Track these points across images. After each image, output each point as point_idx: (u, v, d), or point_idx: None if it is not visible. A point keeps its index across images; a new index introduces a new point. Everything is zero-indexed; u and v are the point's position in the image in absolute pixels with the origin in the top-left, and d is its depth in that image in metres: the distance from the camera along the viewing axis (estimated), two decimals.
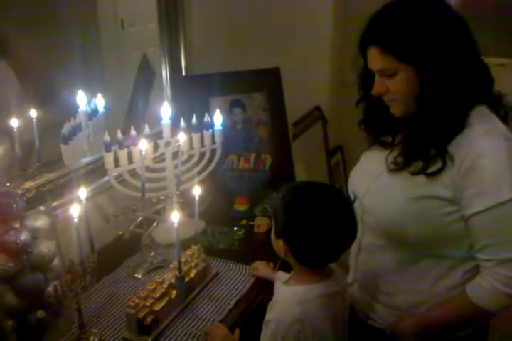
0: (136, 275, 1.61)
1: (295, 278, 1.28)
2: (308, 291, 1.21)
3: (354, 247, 1.47)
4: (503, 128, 1.25)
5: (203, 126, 1.76)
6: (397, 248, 1.35)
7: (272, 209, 1.26)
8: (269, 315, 1.23)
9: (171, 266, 1.49)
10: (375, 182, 1.37)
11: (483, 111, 1.25)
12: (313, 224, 1.15)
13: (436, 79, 1.18)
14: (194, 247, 1.56)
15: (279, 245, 1.23)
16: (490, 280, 1.22)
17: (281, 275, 1.35)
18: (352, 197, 1.39)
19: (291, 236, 1.20)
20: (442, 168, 1.21)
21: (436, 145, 1.22)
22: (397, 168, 1.30)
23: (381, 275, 1.41)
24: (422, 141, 1.25)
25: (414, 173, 1.25)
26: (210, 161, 1.80)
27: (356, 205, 1.34)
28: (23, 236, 1.26)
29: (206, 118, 1.76)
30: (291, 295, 1.23)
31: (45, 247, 1.31)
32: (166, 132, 1.72)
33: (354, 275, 1.49)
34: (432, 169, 1.23)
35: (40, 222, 1.33)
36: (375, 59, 1.23)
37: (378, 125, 1.41)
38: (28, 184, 1.50)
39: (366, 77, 1.33)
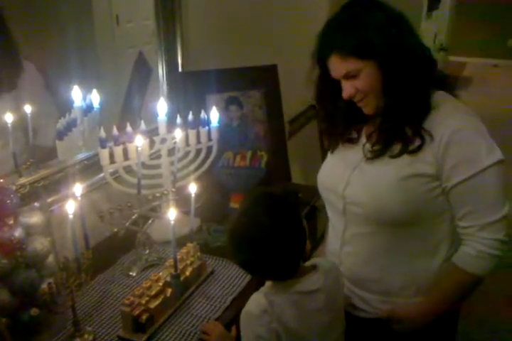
0: (131, 273, 1.60)
1: None
2: (277, 285, 1.24)
3: (336, 243, 1.49)
4: (462, 105, 1.36)
5: (199, 123, 1.75)
6: (385, 231, 1.38)
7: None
8: (242, 310, 1.25)
9: (167, 263, 1.48)
10: (353, 174, 1.41)
11: (443, 94, 1.36)
12: (263, 241, 1.18)
13: (394, 66, 1.27)
14: (190, 245, 1.55)
15: None
16: (474, 245, 1.31)
17: None
18: (326, 196, 1.49)
19: (240, 255, 1.24)
20: (422, 144, 1.29)
21: (410, 125, 1.30)
22: (375, 154, 1.36)
23: (370, 263, 1.43)
24: (397, 124, 1.32)
25: (396, 155, 1.32)
26: (206, 158, 1.79)
27: (335, 200, 1.45)
28: (17, 233, 1.25)
29: (202, 115, 1.75)
30: (262, 288, 1.27)
31: (39, 244, 1.30)
32: (162, 128, 1.70)
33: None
34: (412, 147, 1.30)
35: (35, 218, 1.32)
36: (338, 65, 1.30)
37: (343, 126, 1.46)
38: (23, 180, 1.49)
39: (323, 88, 1.42)
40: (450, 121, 1.29)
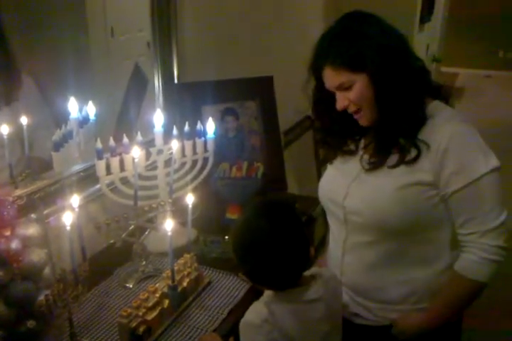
0: (128, 285, 1.59)
1: None
2: (278, 295, 1.25)
3: (337, 252, 1.50)
4: (457, 113, 1.38)
5: (196, 134, 1.76)
6: (385, 240, 1.39)
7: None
8: (242, 319, 1.25)
9: (164, 275, 1.47)
10: (352, 185, 1.42)
11: (438, 103, 1.38)
12: (264, 250, 1.20)
13: (386, 79, 1.28)
14: (187, 256, 1.55)
15: None
16: (476, 251, 1.31)
17: None
18: (327, 206, 1.50)
19: (244, 263, 1.26)
20: (418, 155, 1.30)
21: (405, 137, 1.32)
22: (373, 166, 1.38)
23: (371, 272, 1.44)
24: (392, 136, 1.34)
25: (393, 166, 1.34)
26: (202, 169, 1.79)
27: (336, 210, 1.46)
28: (14, 245, 1.24)
29: (199, 126, 1.76)
30: (262, 297, 1.27)
31: (36, 255, 1.29)
32: (159, 140, 1.71)
33: (341, 279, 1.49)
34: (408, 158, 1.32)
35: (32, 230, 1.31)
36: (331, 77, 1.32)
37: (339, 137, 1.48)
38: (19, 191, 1.48)
39: (319, 99, 1.44)
40: (446, 129, 1.30)
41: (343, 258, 1.48)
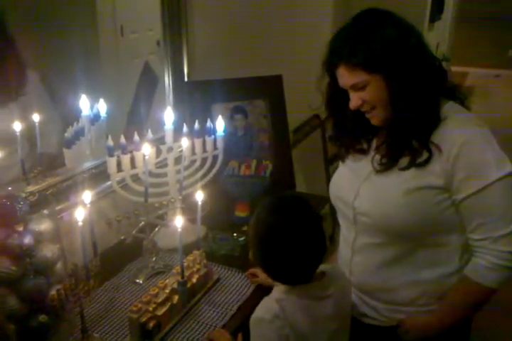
0: (138, 281, 1.60)
1: None
2: (289, 291, 1.25)
3: (346, 252, 1.50)
4: (473, 117, 1.35)
5: (205, 132, 1.77)
6: (394, 242, 1.38)
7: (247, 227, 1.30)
8: (252, 315, 1.25)
9: (173, 271, 1.48)
10: (363, 185, 1.41)
11: (453, 105, 1.35)
12: (280, 244, 1.19)
13: (401, 80, 1.26)
14: (196, 252, 1.56)
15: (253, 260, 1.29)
16: (487, 257, 1.29)
17: None
18: (337, 205, 1.49)
19: (259, 258, 1.25)
20: (430, 158, 1.29)
21: (418, 139, 1.30)
22: (384, 167, 1.36)
23: (379, 273, 1.43)
24: (404, 138, 1.32)
25: (404, 168, 1.32)
26: (211, 167, 1.81)
27: (346, 210, 1.46)
28: (27, 240, 1.26)
29: (208, 124, 1.77)
30: (273, 293, 1.28)
31: (48, 251, 1.31)
32: (169, 137, 1.72)
33: (351, 280, 1.49)
34: (419, 160, 1.30)
35: (44, 225, 1.32)
36: (346, 76, 1.30)
37: (352, 136, 1.47)
38: (32, 187, 1.50)
39: (333, 95, 1.42)
40: (459, 133, 1.28)
41: (352, 258, 1.48)
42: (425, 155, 1.29)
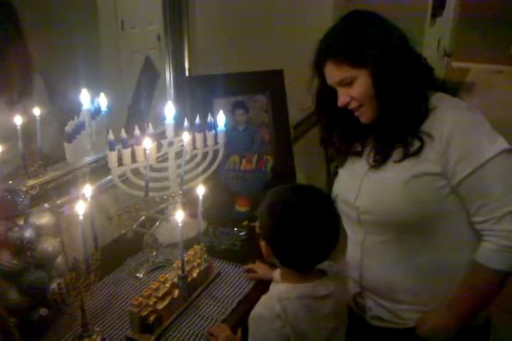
0: (138, 275, 1.61)
1: (281, 276, 1.29)
2: (291, 289, 1.23)
3: (356, 255, 1.49)
4: (461, 102, 1.37)
5: (206, 127, 1.77)
6: (402, 238, 1.37)
7: (258, 211, 1.29)
8: (252, 312, 1.24)
9: (174, 265, 1.49)
10: (362, 184, 1.42)
11: (442, 95, 1.37)
12: (295, 226, 1.18)
13: (387, 75, 1.29)
14: (196, 247, 1.57)
15: (262, 246, 1.27)
16: (494, 239, 1.28)
17: (276, 274, 1.35)
18: (342, 209, 1.47)
19: (273, 238, 1.23)
20: (422, 146, 1.30)
21: (408, 131, 1.32)
22: (379, 162, 1.38)
23: (394, 271, 1.41)
24: (394, 131, 1.34)
25: (399, 160, 1.34)
26: (212, 161, 1.81)
27: (350, 211, 1.45)
28: (28, 234, 1.26)
29: (209, 118, 1.77)
30: (274, 291, 1.26)
31: (49, 245, 1.31)
32: (170, 132, 1.72)
33: (362, 284, 1.49)
34: (412, 150, 1.31)
35: (45, 219, 1.33)
36: (333, 71, 1.34)
37: (346, 140, 1.49)
38: (32, 181, 1.50)
39: (323, 97, 1.45)
40: (448, 118, 1.30)
41: (362, 260, 1.47)
42: (417, 144, 1.31)
